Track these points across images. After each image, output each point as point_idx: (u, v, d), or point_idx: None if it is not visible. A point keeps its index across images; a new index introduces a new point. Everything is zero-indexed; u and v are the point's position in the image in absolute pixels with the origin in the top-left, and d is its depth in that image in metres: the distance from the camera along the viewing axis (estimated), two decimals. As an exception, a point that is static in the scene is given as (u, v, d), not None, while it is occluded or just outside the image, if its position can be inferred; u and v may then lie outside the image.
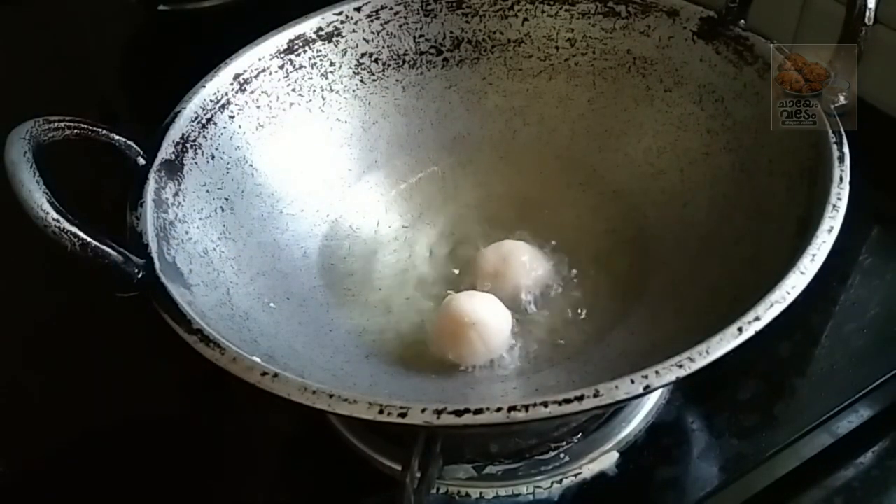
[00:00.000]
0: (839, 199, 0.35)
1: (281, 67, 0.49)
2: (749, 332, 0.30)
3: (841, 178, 0.36)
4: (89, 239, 0.34)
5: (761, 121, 0.42)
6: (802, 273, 0.32)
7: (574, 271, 0.45)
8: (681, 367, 0.29)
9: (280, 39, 0.49)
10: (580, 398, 0.28)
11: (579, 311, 0.43)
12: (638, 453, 0.41)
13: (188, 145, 0.43)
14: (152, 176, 0.40)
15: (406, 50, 0.52)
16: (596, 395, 0.28)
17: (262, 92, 0.48)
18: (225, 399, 0.45)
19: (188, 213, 0.41)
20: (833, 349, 0.45)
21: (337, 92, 0.51)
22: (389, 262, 0.46)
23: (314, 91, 0.50)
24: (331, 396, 0.29)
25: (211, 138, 0.44)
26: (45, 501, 0.44)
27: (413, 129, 0.53)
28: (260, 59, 0.48)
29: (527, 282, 0.44)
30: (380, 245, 0.48)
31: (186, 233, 0.40)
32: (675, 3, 0.48)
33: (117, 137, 0.40)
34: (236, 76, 0.47)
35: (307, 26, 0.49)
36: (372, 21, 0.51)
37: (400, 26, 0.51)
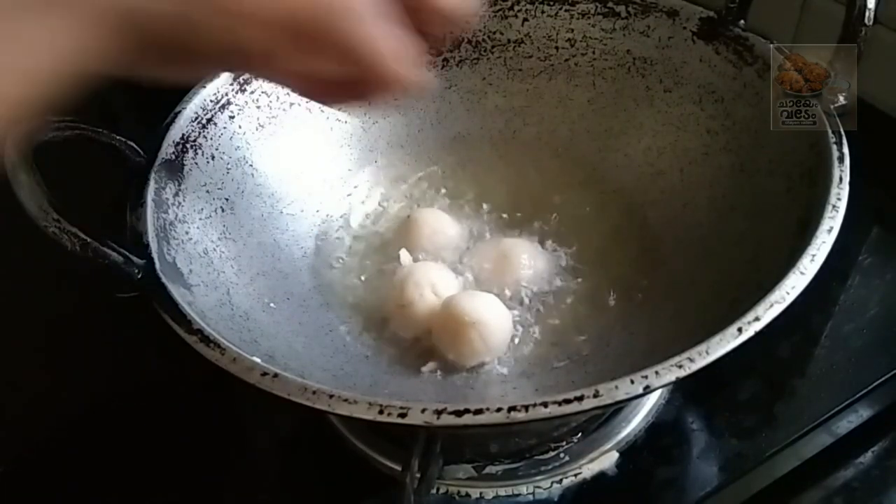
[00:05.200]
0: (839, 199, 0.35)
1: (281, 67, 0.49)
2: (749, 332, 0.30)
3: (841, 179, 0.36)
4: (89, 239, 0.34)
5: (761, 121, 0.42)
6: (802, 273, 0.32)
7: (574, 271, 0.45)
8: (680, 367, 0.29)
9: (280, 39, 0.49)
10: (580, 398, 0.28)
11: (579, 311, 0.43)
12: (638, 453, 0.41)
13: (188, 145, 0.43)
14: (152, 176, 0.40)
15: (406, 50, 0.52)
16: (596, 396, 0.28)
17: (262, 92, 0.48)
18: (225, 399, 0.45)
19: (188, 213, 0.41)
20: (833, 349, 0.45)
21: (337, 92, 0.51)
22: (390, 262, 0.46)
23: (314, 91, 0.50)
24: (331, 396, 0.29)
25: (211, 139, 0.44)
26: (47, 498, 0.44)
27: (413, 129, 0.53)
28: (260, 60, 0.48)
29: (526, 281, 0.44)
30: (380, 245, 0.48)
31: (186, 233, 0.40)
32: (675, 3, 0.48)
33: (117, 138, 0.40)
34: (236, 76, 0.47)
35: (307, 26, 0.49)
36: (372, 21, 0.51)
37: (400, 26, 0.51)
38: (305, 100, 0.50)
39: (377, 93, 0.30)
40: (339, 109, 0.33)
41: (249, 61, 0.26)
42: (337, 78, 0.30)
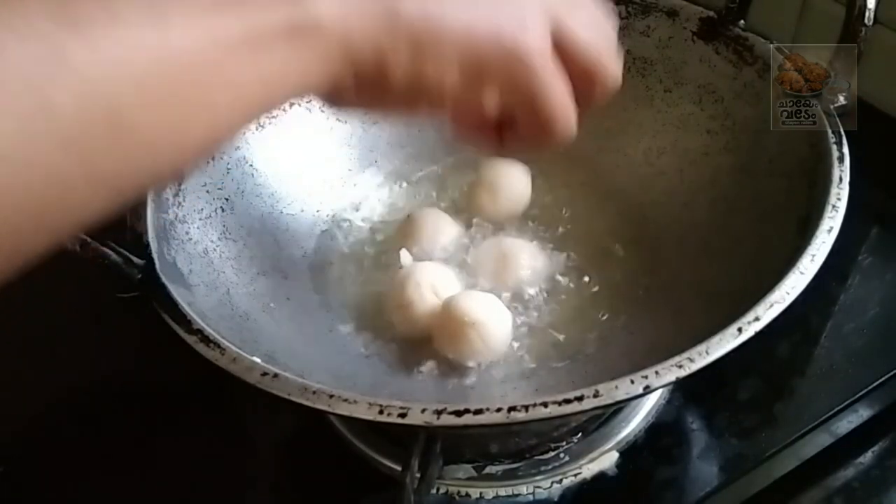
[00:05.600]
0: (839, 199, 0.35)
1: (281, 67, 0.48)
2: (749, 332, 0.30)
3: (841, 179, 0.36)
4: (89, 239, 0.34)
5: (761, 121, 0.42)
6: (802, 273, 0.32)
7: (573, 271, 0.45)
8: (680, 367, 0.29)
9: (280, 39, 0.49)
10: (580, 398, 0.28)
11: (578, 310, 0.43)
12: (638, 453, 0.41)
13: (188, 145, 0.43)
14: (152, 176, 0.40)
15: (406, 50, 0.52)
16: (596, 396, 0.28)
17: (263, 92, 0.48)
18: (225, 399, 0.45)
19: (188, 213, 0.41)
20: (833, 349, 0.45)
21: (337, 92, 0.51)
22: (390, 262, 0.46)
23: (314, 91, 0.50)
24: (331, 396, 0.29)
25: (211, 138, 0.44)
26: (47, 498, 0.44)
27: (413, 130, 0.53)
28: (260, 60, 0.48)
29: (526, 281, 0.44)
30: (380, 244, 0.48)
31: (187, 233, 0.40)
32: (675, 3, 0.48)
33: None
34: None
35: (307, 26, 0.49)
36: (372, 21, 0.51)
37: (400, 26, 0.51)
38: (305, 100, 0.50)
39: (536, 139, 0.31)
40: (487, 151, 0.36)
41: (431, 96, 0.28)
42: (498, 119, 0.32)
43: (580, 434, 0.42)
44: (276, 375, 0.30)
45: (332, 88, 0.26)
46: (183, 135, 0.23)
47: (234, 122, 0.24)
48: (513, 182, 0.49)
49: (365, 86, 0.26)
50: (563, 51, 0.29)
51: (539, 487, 0.41)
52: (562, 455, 0.41)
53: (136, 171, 0.22)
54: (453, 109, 0.29)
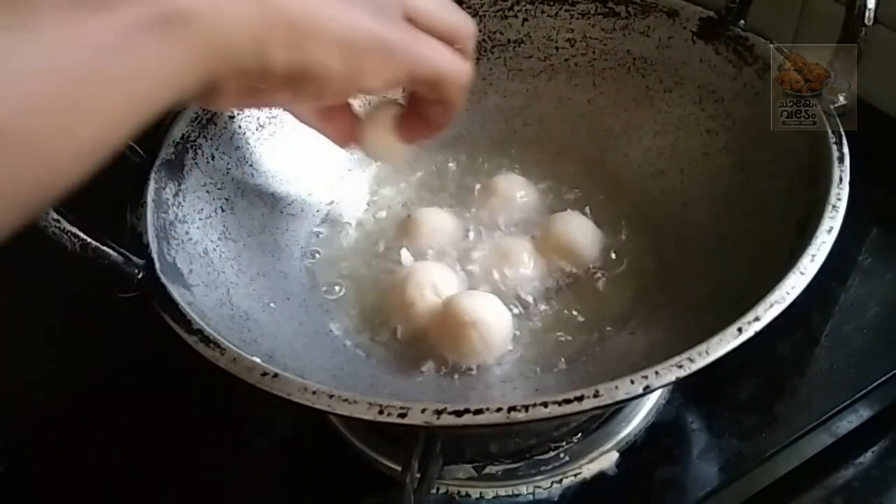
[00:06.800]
0: (839, 199, 0.35)
1: (281, 67, 0.49)
2: (749, 332, 0.30)
3: (841, 179, 0.36)
4: (89, 239, 0.34)
5: (761, 121, 0.42)
6: (802, 273, 0.32)
7: (574, 271, 0.45)
8: (680, 367, 0.29)
9: (280, 39, 0.49)
10: (580, 398, 0.28)
11: (579, 311, 0.43)
12: (638, 453, 0.42)
13: (188, 146, 0.43)
14: (152, 176, 0.40)
15: (406, 50, 0.52)
16: (596, 396, 0.28)
17: (262, 92, 0.48)
18: (225, 399, 0.45)
19: (188, 213, 0.41)
20: (833, 349, 0.45)
21: (337, 92, 0.51)
22: (389, 262, 0.46)
23: (314, 91, 0.50)
24: (331, 396, 0.29)
25: (211, 139, 0.44)
26: (47, 498, 0.44)
27: (413, 129, 0.53)
28: (260, 60, 0.48)
29: (527, 280, 0.44)
30: (380, 244, 0.48)
31: (186, 233, 0.40)
32: (675, 3, 0.48)
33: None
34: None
35: (307, 26, 0.49)
36: (372, 21, 0.51)
37: (400, 26, 0.51)
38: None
39: (447, 96, 0.33)
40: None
41: (316, 82, 0.28)
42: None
43: (580, 434, 0.42)
44: (276, 375, 0.30)
45: (214, 85, 0.26)
46: (73, 140, 0.22)
47: (127, 122, 0.24)
48: (514, 182, 0.49)
49: (248, 77, 0.27)
50: (421, 26, 0.31)
51: (539, 487, 0.41)
52: (562, 455, 0.41)
53: (25, 183, 0.21)
54: (334, 95, 0.30)
